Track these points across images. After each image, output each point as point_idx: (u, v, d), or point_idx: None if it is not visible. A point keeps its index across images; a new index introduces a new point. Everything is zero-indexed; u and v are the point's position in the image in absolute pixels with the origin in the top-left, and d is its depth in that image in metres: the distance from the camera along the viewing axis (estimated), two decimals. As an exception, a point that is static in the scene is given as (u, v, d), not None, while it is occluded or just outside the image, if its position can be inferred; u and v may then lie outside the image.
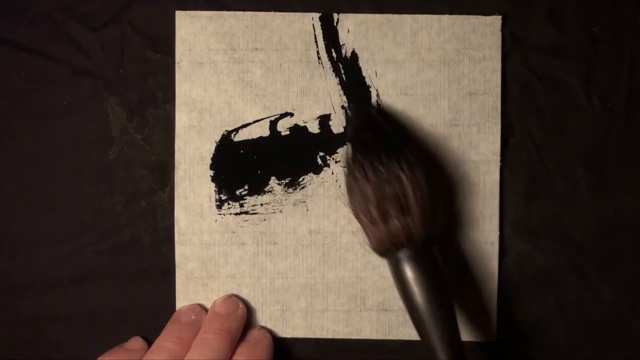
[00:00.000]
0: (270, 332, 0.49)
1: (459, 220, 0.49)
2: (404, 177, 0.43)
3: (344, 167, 0.47)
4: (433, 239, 0.44)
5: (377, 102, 0.49)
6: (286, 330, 0.49)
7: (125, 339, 0.48)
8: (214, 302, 0.48)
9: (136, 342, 0.48)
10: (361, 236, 0.47)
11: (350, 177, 0.45)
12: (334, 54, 0.49)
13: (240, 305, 0.48)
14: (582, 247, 0.49)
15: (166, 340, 0.46)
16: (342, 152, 0.49)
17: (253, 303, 0.49)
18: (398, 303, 0.49)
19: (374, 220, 0.43)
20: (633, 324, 0.49)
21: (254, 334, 0.48)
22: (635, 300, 0.49)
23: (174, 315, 0.48)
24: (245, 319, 0.48)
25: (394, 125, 0.48)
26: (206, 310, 0.48)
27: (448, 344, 0.42)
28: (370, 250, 0.45)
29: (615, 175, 0.49)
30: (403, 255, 0.43)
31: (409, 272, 0.43)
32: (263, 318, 0.49)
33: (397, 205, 0.43)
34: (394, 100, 0.49)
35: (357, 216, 0.45)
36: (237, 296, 0.49)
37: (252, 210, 0.49)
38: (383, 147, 0.44)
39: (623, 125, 0.49)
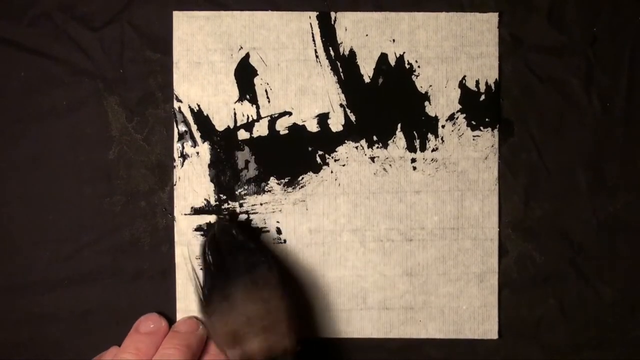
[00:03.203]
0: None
1: (459, 218, 0.49)
2: (263, 296, 0.43)
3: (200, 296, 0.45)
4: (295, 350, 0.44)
5: (245, 215, 0.49)
6: (286, 330, 0.49)
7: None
8: (175, 323, 0.48)
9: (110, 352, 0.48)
10: (361, 234, 0.47)
11: (209, 305, 0.44)
12: (332, 52, 0.49)
13: (201, 327, 0.47)
14: (582, 247, 0.49)
15: (124, 352, 0.46)
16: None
17: (253, 303, 0.49)
18: (399, 301, 0.49)
19: (235, 343, 0.43)
20: (633, 323, 0.49)
21: (211, 348, 0.47)
22: (634, 300, 0.49)
23: (134, 326, 0.48)
24: (204, 340, 0.47)
25: (253, 240, 0.47)
26: (166, 318, 0.48)
27: None
28: None
29: (615, 175, 0.49)
30: None
31: None
32: (263, 318, 0.49)
33: (258, 324, 0.43)
34: (393, 99, 0.49)
35: (218, 342, 0.44)
36: (197, 318, 0.48)
37: (252, 210, 0.49)
38: (240, 269, 0.44)
39: (623, 125, 0.49)
